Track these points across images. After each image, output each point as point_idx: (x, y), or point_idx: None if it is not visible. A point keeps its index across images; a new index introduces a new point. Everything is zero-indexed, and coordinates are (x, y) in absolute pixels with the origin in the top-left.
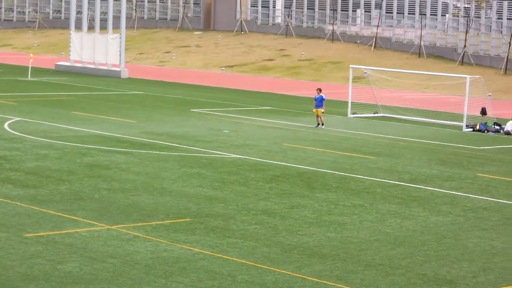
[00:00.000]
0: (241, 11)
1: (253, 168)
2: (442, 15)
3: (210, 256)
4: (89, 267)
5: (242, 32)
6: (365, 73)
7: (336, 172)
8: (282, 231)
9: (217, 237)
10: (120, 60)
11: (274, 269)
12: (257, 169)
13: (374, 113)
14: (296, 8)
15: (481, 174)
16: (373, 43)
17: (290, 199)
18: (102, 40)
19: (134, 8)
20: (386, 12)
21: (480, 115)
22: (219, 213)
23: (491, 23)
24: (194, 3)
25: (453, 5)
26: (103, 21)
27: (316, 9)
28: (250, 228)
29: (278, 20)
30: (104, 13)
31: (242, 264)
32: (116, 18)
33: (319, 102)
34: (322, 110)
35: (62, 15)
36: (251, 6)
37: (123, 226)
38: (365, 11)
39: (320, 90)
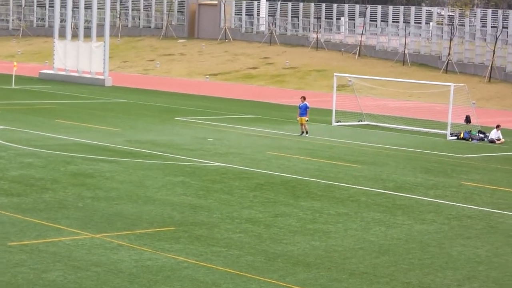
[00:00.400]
0: (225, 19)
1: (237, 177)
2: (426, 23)
3: (194, 265)
4: (73, 276)
5: (226, 40)
6: (350, 81)
7: (321, 181)
8: (267, 239)
9: (202, 246)
10: (104, 68)
11: (259, 277)
12: (241, 177)
13: (358, 121)
14: (280, 16)
15: (465, 182)
16: (358, 51)
17: (275, 207)
18: (86, 48)
19: (118, 16)
20: (370, 20)
21: (465, 123)
22: (203, 221)
23: (475, 31)
24: (178, 11)
25: (437, 13)
26: (87, 29)
27: (300, 17)
28: (235, 236)
29: (262, 28)
30: (88, 21)
31: (227, 272)
32: (100, 26)
33: (303, 110)
34: (306, 118)
35: (46, 23)
36: (235, 14)
37: (107, 235)
38: (349, 19)
39: (304, 98)
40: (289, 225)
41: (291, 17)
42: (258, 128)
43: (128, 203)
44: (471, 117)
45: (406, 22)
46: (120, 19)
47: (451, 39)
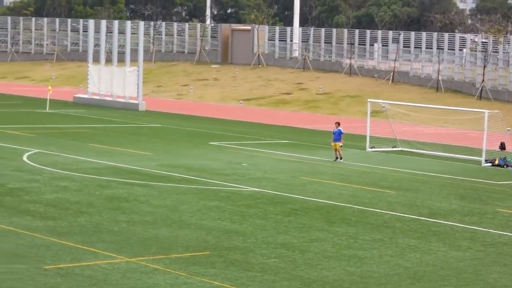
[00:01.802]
0: (258, 45)
1: (271, 202)
2: (459, 50)
3: None
4: None
5: (260, 66)
6: (383, 107)
7: (355, 206)
8: (302, 264)
9: (237, 270)
10: (138, 92)
11: None
12: (276, 203)
13: (392, 147)
14: (313, 42)
15: (501, 209)
16: (391, 77)
17: (309, 232)
18: (120, 73)
19: (151, 41)
20: (403, 47)
21: (499, 149)
22: (238, 246)
23: (508, 57)
24: (211, 37)
25: (471, 39)
26: (121, 54)
27: (333, 43)
28: (270, 261)
29: (296, 54)
30: (121, 46)
31: None
32: (134, 51)
33: (338, 136)
34: (341, 144)
35: (80, 48)
36: (268, 40)
37: (143, 259)
38: (382, 45)
39: (338, 123)
40: (324, 250)
41: (324, 43)
42: (292, 153)
43: (163, 227)
44: (505, 144)
45: (440, 48)
46: (153, 44)
47: (484, 66)
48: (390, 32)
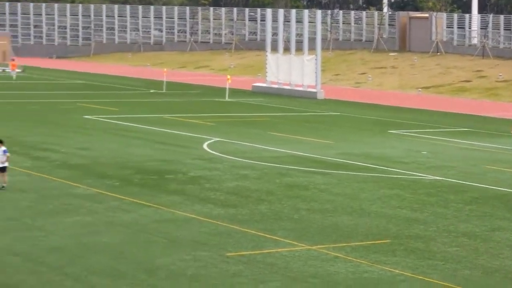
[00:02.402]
0: (436, 32)
1: (452, 190)
2: None
3: (411, 278)
4: (290, 287)
5: (438, 53)
6: None
7: None
8: (483, 253)
9: (418, 259)
10: (316, 81)
11: None
12: (456, 191)
13: None
14: (492, 29)
15: None
16: None
17: (491, 221)
18: (298, 62)
19: (329, 29)
20: None
21: None
22: (419, 234)
23: None
24: (389, 24)
25: None
26: (299, 43)
27: None
28: (451, 250)
29: (474, 41)
30: (299, 35)
31: (444, 286)
32: (311, 40)
33: None
34: None
35: (258, 37)
36: (446, 27)
37: (323, 247)
38: None
39: None
40: (507, 239)
41: (504, 29)
42: (472, 141)
43: (343, 215)
44: None
45: None
46: (331, 33)
47: None
48: None
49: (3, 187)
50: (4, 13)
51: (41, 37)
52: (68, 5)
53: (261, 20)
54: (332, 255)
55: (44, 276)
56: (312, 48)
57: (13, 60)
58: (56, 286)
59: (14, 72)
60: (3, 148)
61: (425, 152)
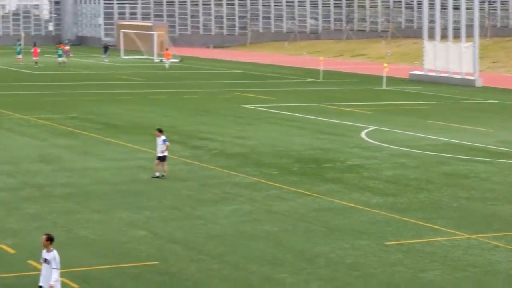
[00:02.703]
0: None
1: None
2: None
3: None
4: (450, 276)
5: None
6: None
7: None
8: None
9: None
10: (474, 68)
11: None
12: None
13: None
14: None
15: None
16: None
17: None
18: (455, 49)
19: (487, 16)
20: None
21: None
22: None
23: None
24: None
25: None
26: (456, 30)
27: None
28: None
29: None
30: (456, 22)
31: None
32: (469, 27)
33: None
34: None
35: (415, 25)
36: None
37: (484, 236)
38: None
39: None
40: None
41: None
42: None
43: (505, 204)
44: None
45: None
46: (488, 19)
47: None
48: None
49: (163, 176)
50: (162, 4)
51: (198, 27)
52: None
53: (417, 8)
54: (493, 244)
55: (203, 264)
56: (469, 35)
57: (167, 49)
58: (215, 274)
59: (168, 61)
60: (163, 137)
61: None
